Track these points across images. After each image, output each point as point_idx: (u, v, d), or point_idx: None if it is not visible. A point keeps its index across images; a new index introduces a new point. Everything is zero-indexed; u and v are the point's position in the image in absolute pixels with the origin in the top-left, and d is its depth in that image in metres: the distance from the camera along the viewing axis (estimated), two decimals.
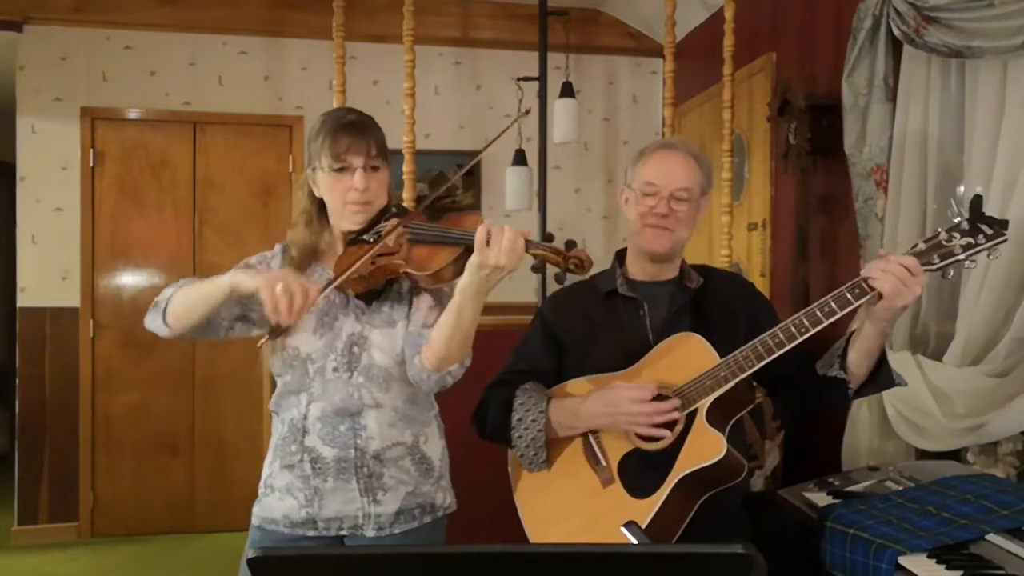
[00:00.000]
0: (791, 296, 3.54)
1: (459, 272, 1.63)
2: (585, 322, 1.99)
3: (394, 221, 1.75)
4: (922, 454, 2.60)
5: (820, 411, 1.96)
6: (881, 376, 1.80)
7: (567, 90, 4.44)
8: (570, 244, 1.62)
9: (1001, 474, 2.30)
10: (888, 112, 2.82)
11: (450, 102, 5.11)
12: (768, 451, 3.04)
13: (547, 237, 1.66)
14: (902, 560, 1.72)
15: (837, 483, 2.28)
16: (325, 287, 1.67)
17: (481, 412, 1.98)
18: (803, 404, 1.95)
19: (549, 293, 2.07)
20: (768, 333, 1.74)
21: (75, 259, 4.77)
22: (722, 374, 1.77)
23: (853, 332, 1.79)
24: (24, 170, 4.73)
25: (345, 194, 1.76)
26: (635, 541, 1.51)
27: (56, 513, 4.74)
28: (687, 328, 1.88)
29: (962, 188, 2.68)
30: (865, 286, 1.67)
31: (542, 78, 4.30)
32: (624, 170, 2.06)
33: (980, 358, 2.39)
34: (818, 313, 1.70)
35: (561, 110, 4.40)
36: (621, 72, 5.38)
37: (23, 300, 4.74)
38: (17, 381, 4.75)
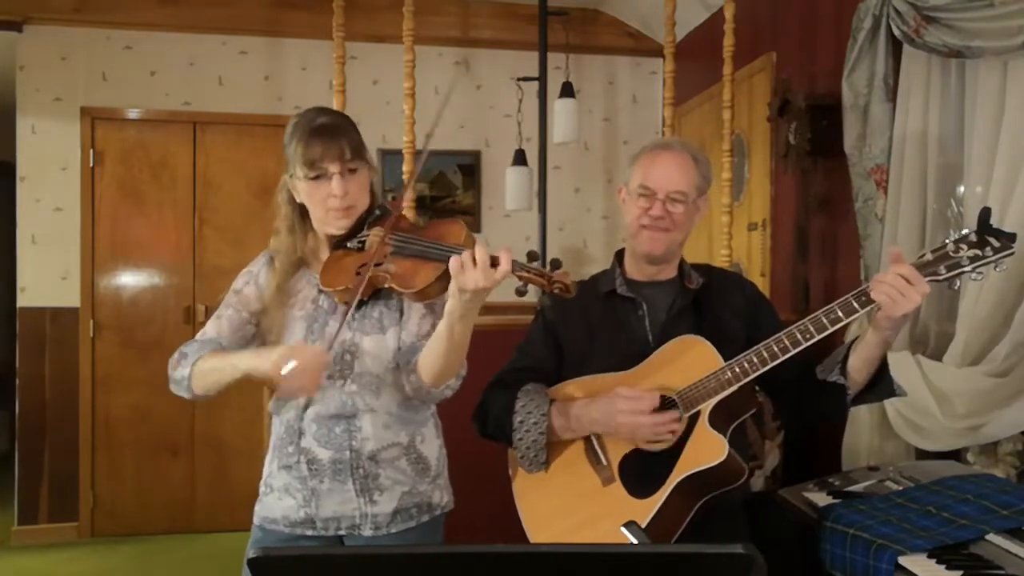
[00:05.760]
0: (791, 296, 3.54)
1: (445, 288, 1.61)
2: (585, 322, 1.99)
3: (377, 230, 1.73)
4: (922, 454, 2.59)
5: (818, 419, 1.94)
6: (882, 385, 1.79)
7: (567, 90, 4.44)
8: (555, 263, 1.60)
9: (1001, 474, 2.29)
10: (888, 112, 2.82)
11: (450, 102, 5.10)
12: (768, 451, 3.04)
13: (531, 256, 1.64)
14: (902, 560, 1.72)
15: (837, 483, 2.28)
16: (332, 340, 1.70)
17: (482, 411, 1.98)
18: (800, 409, 1.93)
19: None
20: (773, 338, 1.74)
21: (75, 259, 4.77)
22: (725, 377, 1.76)
23: (856, 339, 1.78)
24: (24, 170, 4.73)
25: (325, 201, 1.74)
26: (635, 541, 1.50)
27: (56, 513, 4.74)
28: (687, 329, 1.88)
29: (962, 188, 2.68)
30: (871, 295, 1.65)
31: (542, 78, 4.30)
32: (625, 169, 2.06)
33: (980, 358, 2.39)
34: (824, 320, 1.69)
35: (561, 110, 4.40)
36: (621, 72, 5.38)
37: (23, 300, 4.74)
38: (17, 381, 4.75)
